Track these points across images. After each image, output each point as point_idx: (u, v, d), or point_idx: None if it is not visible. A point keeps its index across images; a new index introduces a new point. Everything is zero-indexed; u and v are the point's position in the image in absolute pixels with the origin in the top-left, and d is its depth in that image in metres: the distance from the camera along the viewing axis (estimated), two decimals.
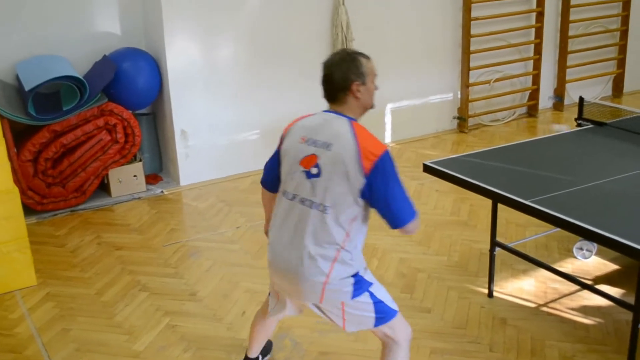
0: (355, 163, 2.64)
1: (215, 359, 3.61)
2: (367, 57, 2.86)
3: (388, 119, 6.80)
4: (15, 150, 5.21)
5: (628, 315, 3.36)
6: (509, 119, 7.45)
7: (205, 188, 5.97)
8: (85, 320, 4.01)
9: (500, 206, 3.81)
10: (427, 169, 4.05)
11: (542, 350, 3.59)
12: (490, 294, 4.09)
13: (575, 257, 4.47)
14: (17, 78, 5.45)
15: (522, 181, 3.81)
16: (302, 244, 2.71)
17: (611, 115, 4.87)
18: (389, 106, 6.79)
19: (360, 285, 2.75)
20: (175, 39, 5.73)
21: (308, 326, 3.80)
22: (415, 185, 5.75)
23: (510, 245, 4.18)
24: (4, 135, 4.58)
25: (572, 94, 7.65)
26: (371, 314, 2.78)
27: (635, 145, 4.25)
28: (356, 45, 6.32)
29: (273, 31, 6.10)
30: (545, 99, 7.74)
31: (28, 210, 5.20)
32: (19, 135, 5.40)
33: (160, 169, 6.30)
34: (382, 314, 2.80)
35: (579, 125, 4.73)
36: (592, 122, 4.66)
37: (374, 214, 2.78)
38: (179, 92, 5.83)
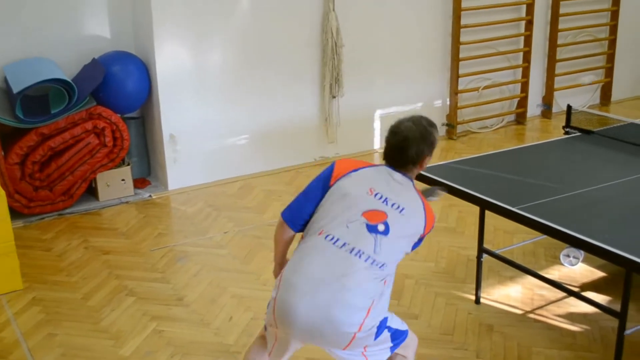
0: (420, 231, 2.80)
1: None
2: (436, 127, 2.97)
3: (377, 125, 6.81)
4: (3, 153, 5.18)
5: (614, 322, 3.37)
6: (498, 126, 7.48)
7: (194, 192, 5.95)
8: (71, 325, 3.99)
9: (488, 213, 3.83)
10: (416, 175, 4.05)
11: (529, 357, 3.60)
12: (477, 301, 4.10)
13: (562, 264, 4.49)
14: (5, 80, 5.42)
15: (510, 188, 3.83)
16: (342, 292, 2.56)
17: (598, 123, 4.90)
18: (378, 112, 6.80)
19: (381, 324, 2.69)
20: (165, 43, 5.72)
21: None
22: None
23: (498, 252, 4.19)
24: None
25: (560, 102, 7.69)
26: (388, 344, 2.76)
27: (622, 153, 4.28)
28: (346, 52, 6.35)
29: (263, 36, 6.10)
30: (534, 107, 7.77)
31: (15, 213, 5.17)
32: (7, 138, 5.37)
33: (148, 173, 6.29)
34: (398, 339, 2.79)
35: (566, 133, 4.76)
36: (580, 130, 4.69)
37: None
38: (168, 96, 5.82)
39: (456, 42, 6.94)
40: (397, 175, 2.84)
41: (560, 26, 7.52)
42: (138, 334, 3.87)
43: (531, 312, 4.01)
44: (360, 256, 2.63)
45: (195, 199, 5.81)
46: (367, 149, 6.78)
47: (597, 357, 3.58)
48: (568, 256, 4.46)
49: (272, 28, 6.13)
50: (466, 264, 4.56)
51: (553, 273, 4.41)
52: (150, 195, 5.90)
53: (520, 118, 7.61)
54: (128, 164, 5.84)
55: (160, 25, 5.66)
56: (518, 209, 3.46)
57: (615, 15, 7.88)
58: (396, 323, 2.79)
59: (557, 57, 7.62)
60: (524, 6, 7.31)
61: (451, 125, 7.16)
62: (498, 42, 7.22)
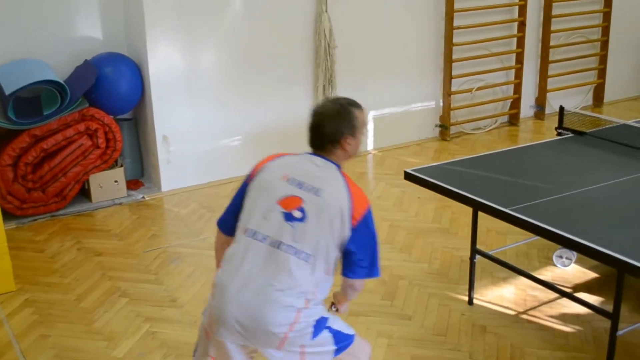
0: (345, 214, 2.56)
1: None
2: (359, 108, 2.78)
3: (370, 126, 6.81)
4: None
5: (606, 323, 3.38)
6: (491, 128, 7.49)
7: (187, 194, 5.95)
8: (64, 326, 3.98)
9: (481, 214, 3.83)
10: (409, 176, 4.06)
11: (522, 358, 3.60)
12: (470, 302, 4.11)
13: (555, 265, 4.50)
14: None
15: (503, 189, 3.83)
16: (269, 291, 2.49)
17: (591, 124, 4.91)
18: (372, 113, 6.81)
19: (319, 324, 2.58)
20: (158, 44, 5.72)
21: None
22: (397, 193, 5.77)
23: (491, 253, 4.20)
24: None
25: (553, 103, 7.71)
26: (331, 347, 2.63)
27: (614, 154, 4.29)
28: (339, 53, 6.35)
29: (256, 38, 6.10)
30: (527, 108, 7.79)
31: (7, 215, 5.16)
32: None
33: (141, 174, 6.28)
34: (341, 343, 2.66)
35: (559, 134, 4.77)
36: (573, 131, 4.70)
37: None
38: (161, 97, 5.82)
39: (449, 44, 6.95)
40: (317, 159, 2.71)
41: (552, 27, 7.54)
42: (131, 335, 3.87)
43: (524, 312, 4.01)
44: (282, 248, 2.53)
45: (188, 200, 5.81)
46: (360, 150, 6.78)
47: (590, 357, 3.59)
48: (561, 257, 4.48)
49: (265, 29, 6.13)
50: (459, 265, 4.56)
51: (546, 274, 4.42)
52: (143, 197, 5.89)
53: (513, 119, 7.63)
54: (121, 166, 5.83)
55: (152, 27, 5.65)
56: (511, 210, 3.46)
57: (607, 16, 7.91)
58: (339, 325, 2.68)
59: (550, 59, 7.64)
60: (517, 7, 7.33)
61: (444, 127, 7.17)
62: (491, 44, 7.24)
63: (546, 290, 4.12)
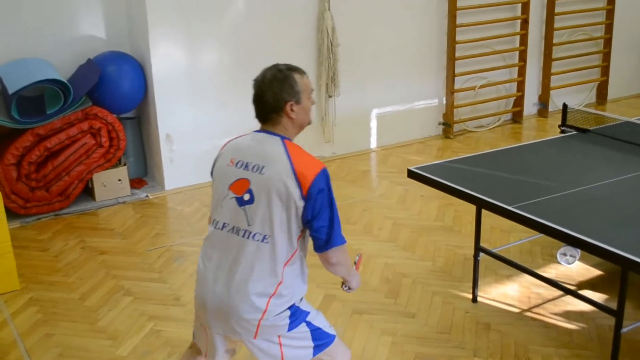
0: (291, 186, 2.47)
1: None
2: (301, 73, 2.62)
3: (374, 125, 6.81)
4: None
5: (610, 321, 3.38)
6: (494, 125, 7.49)
7: (190, 192, 5.95)
8: (68, 325, 3.99)
9: (484, 212, 3.83)
10: (412, 174, 4.06)
11: (526, 355, 3.60)
12: (474, 299, 4.10)
13: (558, 263, 4.50)
14: (1, 81, 5.41)
15: (506, 187, 3.83)
16: (235, 279, 2.51)
17: (595, 122, 4.90)
18: (375, 111, 6.81)
19: (296, 316, 2.58)
20: (160, 43, 5.72)
21: None
22: (400, 191, 5.77)
23: (494, 250, 4.19)
24: None
25: (556, 101, 7.70)
26: (309, 343, 2.62)
27: (618, 152, 4.29)
28: (342, 51, 6.35)
29: (258, 37, 6.09)
30: (530, 106, 7.78)
31: (11, 214, 5.16)
32: (2, 139, 5.37)
33: (145, 173, 6.28)
34: (320, 341, 2.65)
35: (562, 132, 4.76)
36: (576, 128, 4.70)
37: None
38: (164, 96, 5.82)
39: (452, 41, 6.94)
40: (259, 135, 2.63)
41: (555, 25, 7.53)
42: (135, 334, 3.87)
43: (528, 310, 4.01)
44: (240, 234, 2.53)
45: (191, 199, 5.81)
46: (363, 148, 6.79)
47: (594, 355, 3.59)
48: (565, 254, 4.47)
49: (267, 28, 6.13)
50: (463, 262, 4.56)
51: (550, 271, 4.42)
52: (146, 195, 5.90)
53: (517, 117, 7.62)
54: (124, 164, 5.84)
55: (155, 26, 5.65)
56: (514, 207, 3.46)
57: (610, 13, 7.89)
58: (320, 322, 2.67)
59: (553, 56, 7.63)
60: (520, 5, 7.32)
61: (447, 124, 7.16)
62: (494, 41, 7.23)
63: (550, 288, 4.11)
